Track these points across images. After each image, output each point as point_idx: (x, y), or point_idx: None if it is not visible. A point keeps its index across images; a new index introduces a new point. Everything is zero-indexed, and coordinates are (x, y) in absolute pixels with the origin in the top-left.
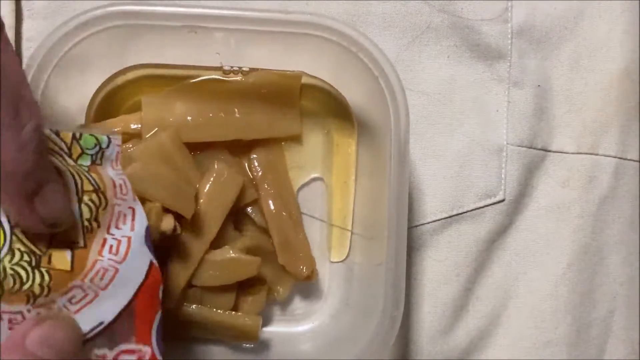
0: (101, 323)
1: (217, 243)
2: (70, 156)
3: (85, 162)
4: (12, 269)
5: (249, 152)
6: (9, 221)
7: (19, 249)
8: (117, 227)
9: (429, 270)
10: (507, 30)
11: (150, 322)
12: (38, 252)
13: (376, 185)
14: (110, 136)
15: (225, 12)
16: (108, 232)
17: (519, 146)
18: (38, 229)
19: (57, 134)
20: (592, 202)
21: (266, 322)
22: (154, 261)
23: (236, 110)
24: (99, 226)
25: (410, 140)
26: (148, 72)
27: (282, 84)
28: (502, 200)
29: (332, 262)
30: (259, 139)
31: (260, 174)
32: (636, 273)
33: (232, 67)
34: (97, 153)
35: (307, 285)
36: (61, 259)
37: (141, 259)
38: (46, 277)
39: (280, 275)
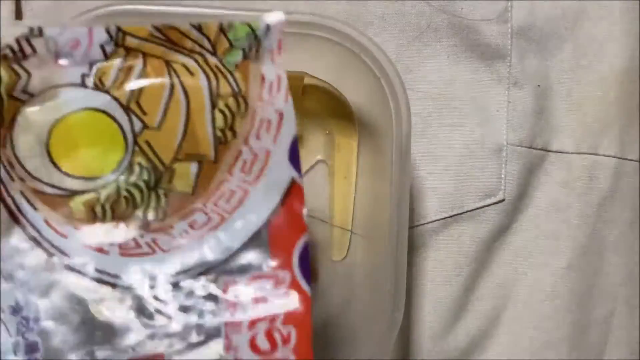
0: (230, 248)
1: None
2: (214, 53)
3: (235, 57)
4: (127, 189)
5: None
6: (132, 128)
7: (139, 164)
8: (257, 137)
9: (429, 270)
10: (507, 30)
11: (292, 246)
12: (160, 166)
13: (377, 186)
14: (271, 22)
15: (226, 12)
16: (245, 144)
17: (519, 146)
18: None
19: (199, 28)
20: (592, 202)
21: None
22: (298, 179)
23: None
24: (234, 136)
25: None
26: None
27: None
28: (502, 200)
29: (333, 261)
30: None
31: None
32: (636, 273)
33: None
34: (251, 45)
35: None
36: (184, 177)
37: (279, 178)
38: (162, 200)
39: None
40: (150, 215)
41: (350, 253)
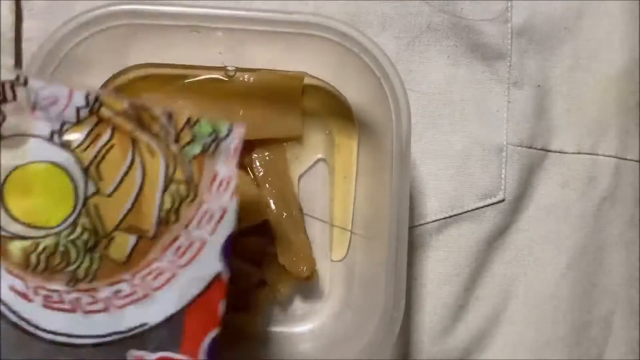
0: (145, 324)
1: None
2: (176, 142)
3: (194, 150)
4: (64, 245)
5: (250, 152)
6: (85, 190)
7: (82, 225)
8: (197, 226)
9: (429, 270)
10: (507, 30)
11: (202, 337)
12: (102, 231)
13: (377, 185)
14: (234, 125)
15: (227, 12)
16: (185, 229)
17: (519, 146)
18: None
19: (169, 117)
20: (592, 202)
21: (266, 322)
22: (223, 275)
23: (238, 110)
24: (177, 220)
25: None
26: (149, 71)
27: (284, 84)
28: (502, 200)
29: (333, 261)
30: (261, 139)
31: (261, 173)
32: (636, 273)
33: (234, 67)
34: (212, 142)
35: (308, 285)
36: (121, 247)
37: (208, 269)
38: (95, 263)
39: (281, 275)
40: (80, 274)
41: (350, 253)
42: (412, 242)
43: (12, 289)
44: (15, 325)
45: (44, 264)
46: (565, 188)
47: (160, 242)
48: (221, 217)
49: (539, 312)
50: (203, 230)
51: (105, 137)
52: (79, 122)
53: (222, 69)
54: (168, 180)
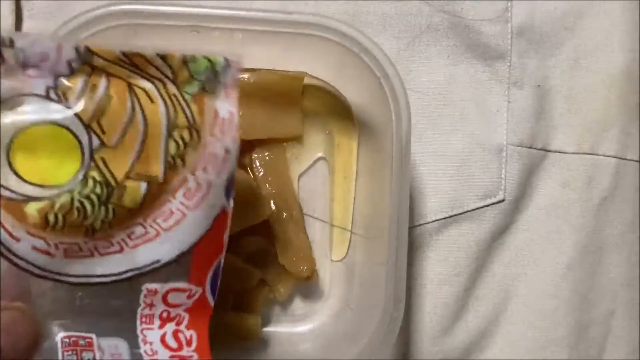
0: (158, 261)
1: None
2: (174, 82)
3: (192, 89)
4: (79, 201)
5: (251, 152)
6: (90, 145)
7: (93, 178)
8: (204, 170)
9: (429, 270)
10: (507, 30)
11: (209, 266)
12: (113, 182)
13: (377, 185)
14: (229, 58)
15: (227, 12)
16: (192, 174)
17: (519, 146)
18: None
19: (163, 57)
20: (592, 202)
21: (266, 322)
22: (228, 207)
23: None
24: (184, 165)
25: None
26: None
27: (284, 84)
28: (502, 200)
29: (333, 261)
30: (261, 139)
31: (261, 173)
32: (636, 273)
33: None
34: (208, 79)
35: (308, 285)
36: (133, 193)
37: (214, 208)
38: (110, 214)
39: (281, 275)
40: (98, 225)
41: (350, 253)
42: (412, 242)
43: (34, 248)
44: (39, 276)
45: (62, 221)
46: (565, 188)
47: (170, 186)
48: (225, 158)
49: (539, 312)
50: (209, 174)
51: (101, 88)
52: (72, 73)
53: None
54: (171, 126)
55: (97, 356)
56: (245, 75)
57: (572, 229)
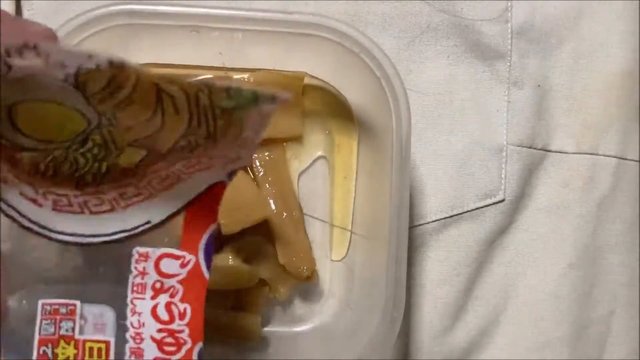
0: (148, 222)
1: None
2: (209, 97)
3: (227, 104)
4: (74, 157)
5: None
6: (100, 127)
7: (93, 140)
8: (209, 159)
9: (429, 270)
10: (507, 30)
11: (201, 232)
12: (113, 148)
13: (377, 185)
14: (277, 94)
15: (227, 12)
16: (197, 158)
17: (519, 146)
18: None
19: (210, 88)
20: (592, 202)
21: (266, 322)
22: (227, 182)
23: None
24: (191, 153)
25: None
26: None
27: (284, 84)
28: (502, 200)
29: (333, 261)
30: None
31: (261, 173)
32: (636, 273)
33: (234, 67)
34: (247, 103)
35: (308, 285)
36: (131, 156)
37: (210, 180)
38: (103, 169)
39: (281, 275)
40: (89, 178)
41: (350, 253)
42: (412, 242)
43: (22, 194)
44: (26, 228)
45: (52, 170)
46: (565, 188)
47: (170, 158)
48: (235, 160)
49: (539, 312)
50: (214, 161)
51: (126, 90)
52: (97, 69)
53: (223, 69)
54: (188, 132)
55: (78, 325)
56: (245, 75)
57: (572, 229)
